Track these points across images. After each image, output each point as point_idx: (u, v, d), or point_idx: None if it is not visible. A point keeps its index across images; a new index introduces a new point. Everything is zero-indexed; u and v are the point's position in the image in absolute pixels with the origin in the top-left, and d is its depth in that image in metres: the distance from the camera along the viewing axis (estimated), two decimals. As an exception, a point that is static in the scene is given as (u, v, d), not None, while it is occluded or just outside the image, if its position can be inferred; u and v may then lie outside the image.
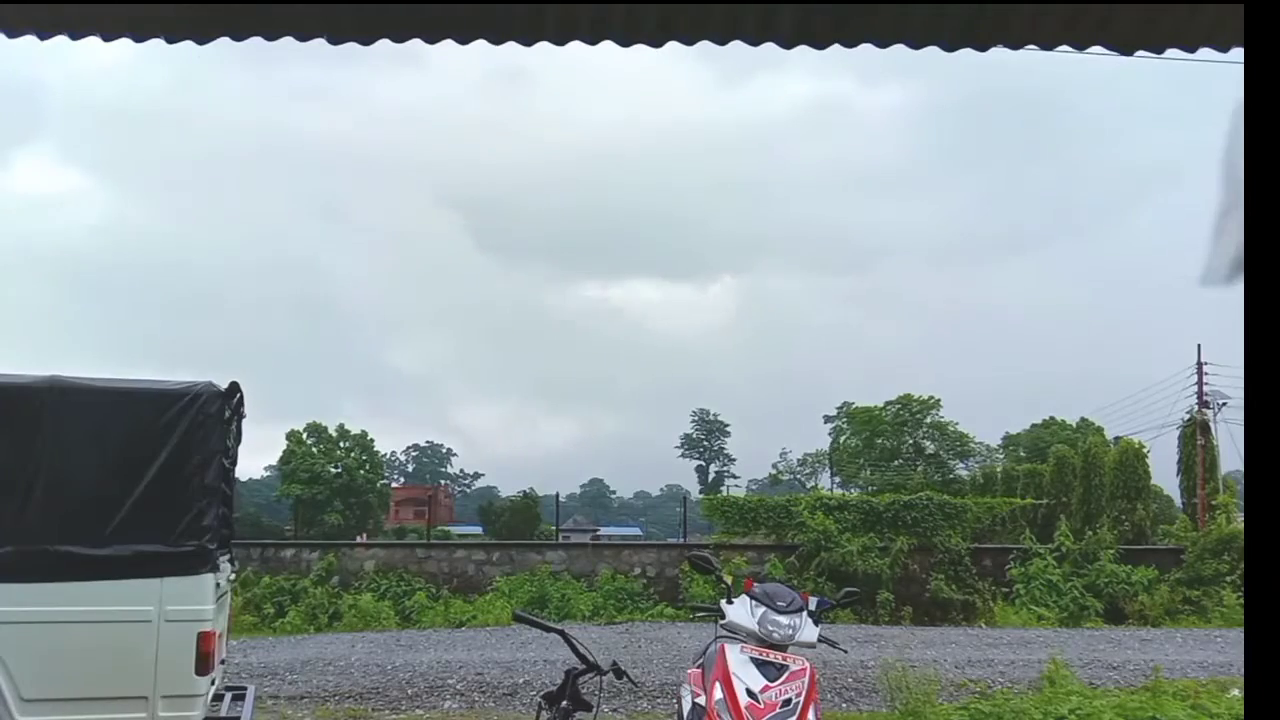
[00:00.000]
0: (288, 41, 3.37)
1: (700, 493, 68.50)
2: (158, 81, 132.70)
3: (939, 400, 46.91)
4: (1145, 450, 23.96)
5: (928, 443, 47.78)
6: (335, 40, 3.33)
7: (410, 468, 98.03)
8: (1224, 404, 26.05)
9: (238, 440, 6.51)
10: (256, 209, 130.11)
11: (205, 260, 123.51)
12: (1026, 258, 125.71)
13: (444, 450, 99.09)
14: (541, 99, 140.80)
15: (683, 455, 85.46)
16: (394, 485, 71.87)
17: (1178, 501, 27.95)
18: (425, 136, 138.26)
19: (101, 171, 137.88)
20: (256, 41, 3.38)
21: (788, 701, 4.24)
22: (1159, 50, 3.49)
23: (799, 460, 58.72)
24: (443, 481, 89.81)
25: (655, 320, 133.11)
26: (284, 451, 51.50)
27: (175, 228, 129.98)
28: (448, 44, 3.33)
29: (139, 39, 3.36)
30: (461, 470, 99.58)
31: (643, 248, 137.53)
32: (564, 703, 3.60)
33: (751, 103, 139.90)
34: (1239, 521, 19.05)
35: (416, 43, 3.37)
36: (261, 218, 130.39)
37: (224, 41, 3.36)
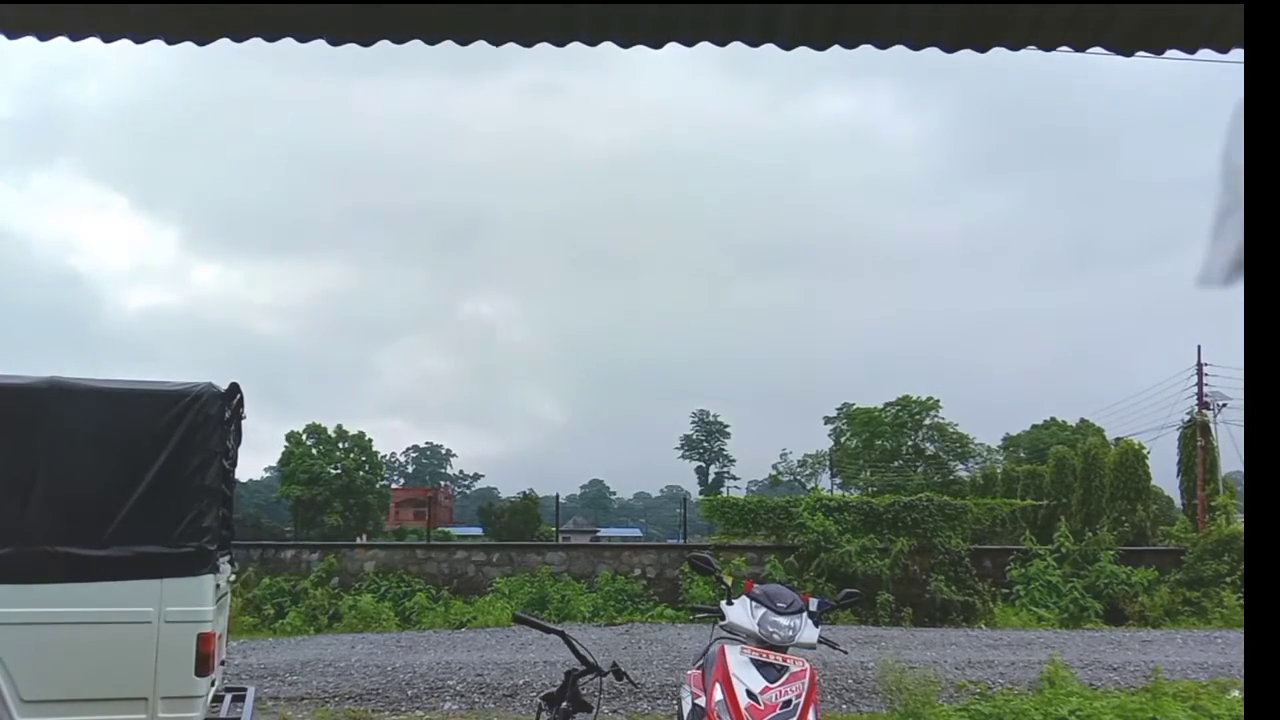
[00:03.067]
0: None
1: (700, 494, 68.39)
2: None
3: (938, 401, 46.94)
4: (1145, 451, 23.94)
5: (927, 444, 47.77)
6: (335, 41, 3.33)
7: (410, 469, 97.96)
8: (1224, 405, 26.03)
9: (237, 441, 6.50)
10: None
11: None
12: (1027, 258, 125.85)
13: (444, 451, 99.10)
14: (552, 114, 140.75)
15: (683, 456, 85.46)
16: (394, 486, 71.76)
17: (1178, 502, 27.91)
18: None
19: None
20: (263, 43, 3.38)
21: (788, 703, 4.24)
22: (1159, 51, 3.49)
23: (799, 461, 58.55)
24: (442, 482, 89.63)
25: (656, 320, 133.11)
26: (284, 452, 51.54)
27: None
28: (448, 45, 3.34)
29: (139, 39, 3.36)
30: (461, 471, 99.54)
31: (647, 250, 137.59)
32: (564, 704, 3.60)
33: (767, 115, 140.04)
34: (1239, 522, 19.06)
35: (416, 43, 3.37)
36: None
37: (225, 42, 3.36)
